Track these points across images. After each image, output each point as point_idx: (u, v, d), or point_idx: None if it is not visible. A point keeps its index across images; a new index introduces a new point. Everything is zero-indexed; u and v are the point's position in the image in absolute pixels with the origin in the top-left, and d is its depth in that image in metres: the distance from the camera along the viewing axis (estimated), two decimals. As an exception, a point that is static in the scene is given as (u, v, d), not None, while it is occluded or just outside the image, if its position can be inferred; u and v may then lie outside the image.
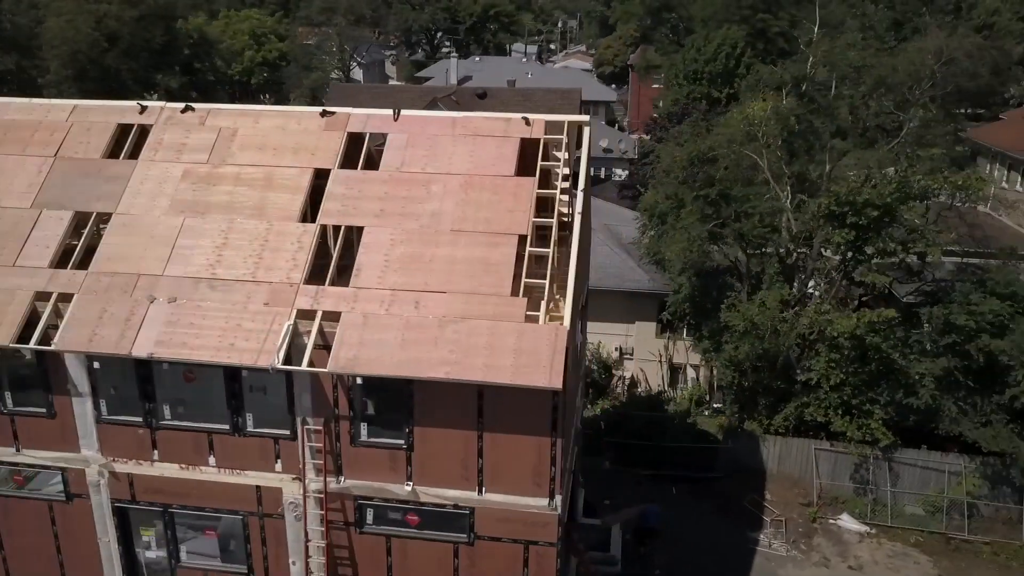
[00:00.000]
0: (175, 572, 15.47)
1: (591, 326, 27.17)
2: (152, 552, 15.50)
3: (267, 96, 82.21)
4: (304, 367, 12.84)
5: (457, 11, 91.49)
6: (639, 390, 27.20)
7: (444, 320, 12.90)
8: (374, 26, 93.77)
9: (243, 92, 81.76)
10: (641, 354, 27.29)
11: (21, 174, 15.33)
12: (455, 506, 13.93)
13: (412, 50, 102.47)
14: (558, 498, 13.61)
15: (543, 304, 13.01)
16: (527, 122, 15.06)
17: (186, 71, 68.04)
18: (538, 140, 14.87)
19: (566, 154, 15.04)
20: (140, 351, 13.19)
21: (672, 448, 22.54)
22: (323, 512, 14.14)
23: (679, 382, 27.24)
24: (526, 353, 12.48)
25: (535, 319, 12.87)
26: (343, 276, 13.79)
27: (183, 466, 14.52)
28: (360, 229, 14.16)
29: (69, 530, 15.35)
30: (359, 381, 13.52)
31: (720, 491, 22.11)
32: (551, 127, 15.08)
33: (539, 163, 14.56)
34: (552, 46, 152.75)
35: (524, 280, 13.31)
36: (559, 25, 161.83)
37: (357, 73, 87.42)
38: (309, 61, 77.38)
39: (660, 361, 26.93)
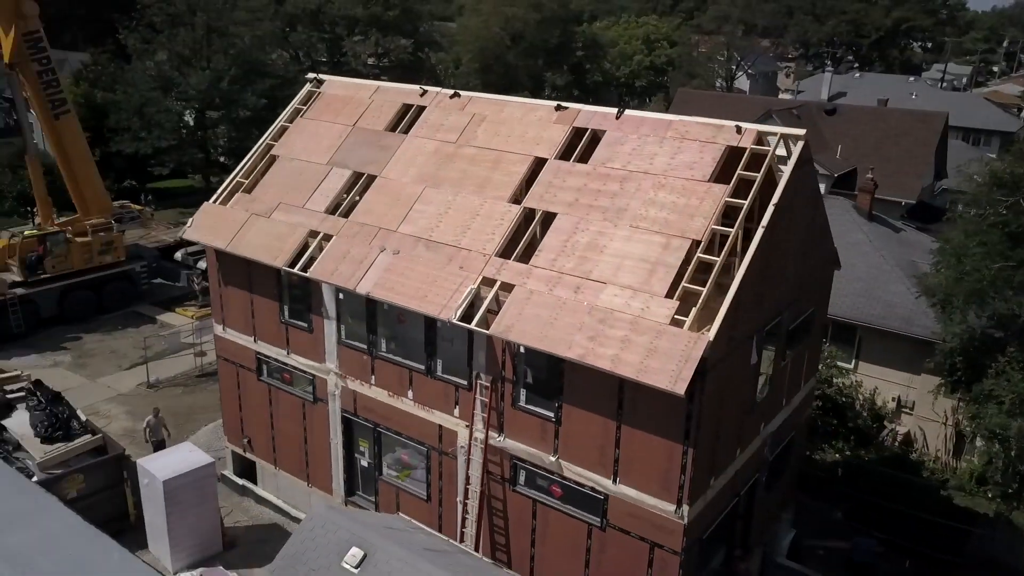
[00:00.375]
0: (377, 482, 18.30)
1: (867, 368, 24.96)
2: (364, 461, 18.52)
3: (649, 99, 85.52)
4: (472, 326, 14.46)
5: (863, 24, 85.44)
6: (913, 451, 24.17)
7: (594, 308, 13.56)
8: (769, 37, 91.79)
9: (628, 94, 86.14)
10: (923, 411, 24.15)
11: (327, 137, 19.18)
12: (592, 489, 14.54)
13: (812, 63, 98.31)
14: (686, 507, 13.49)
15: (694, 310, 12.97)
16: (738, 130, 14.82)
17: (574, 71, 73.69)
18: (744, 149, 14.57)
19: (781, 167, 14.54)
20: (362, 289, 15.96)
21: (915, 518, 19.91)
22: (482, 461, 15.73)
23: (964, 452, 23.57)
24: (658, 354, 12.64)
25: (682, 323, 12.92)
26: (530, 254, 15.10)
27: (390, 394, 17.15)
28: (553, 215, 15.32)
29: (312, 426, 19.01)
30: (522, 350, 14.78)
31: (959, 580, 19.08)
32: (763, 138, 14.66)
33: (738, 172, 14.31)
34: (995, 68, 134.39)
35: (684, 284, 13.35)
36: (1004, 45, 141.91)
37: (744, 83, 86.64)
38: (692, 68, 78.67)
39: (945, 423, 23.58)
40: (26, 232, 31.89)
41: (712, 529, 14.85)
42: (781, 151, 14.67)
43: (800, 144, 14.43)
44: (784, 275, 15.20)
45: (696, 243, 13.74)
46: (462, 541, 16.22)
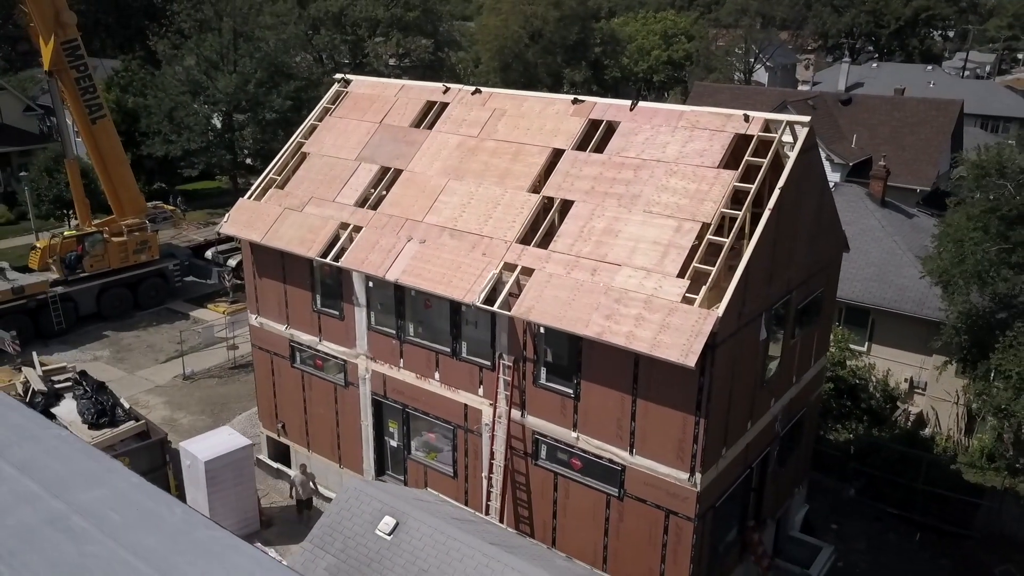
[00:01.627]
0: (406, 462, 19.22)
1: (880, 351, 25.53)
2: (394, 441, 19.45)
3: (667, 94, 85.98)
4: (495, 308, 15.32)
5: (883, 14, 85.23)
6: (925, 431, 24.71)
7: (609, 289, 14.36)
8: (788, 29, 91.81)
9: (647, 89, 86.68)
10: (936, 391, 24.67)
11: (356, 134, 20.13)
12: (610, 461, 15.35)
13: (832, 55, 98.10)
14: (698, 475, 14.26)
15: (704, 289, 13.74)
16: (746, 119, 15.54)
17: (593, 67, 74.33)
18: (752, 137, 15.30)
19: (790, 154, 15.25)
20: (391, 276, 16.88)
21: (925, 492, 20.53)
22: (506, 438, 16.59)
23: (976, 430, 24.05)
24: (670, 330, 13.42)
25: (692, 301, 13.69)
26: (548, 240, 15.93)
27: (418, 376, 18.06)
28: (571, 202, 16.14)
29: (343, 409, 19.97)
30: (542, 330, 15.62)
31: (967, 553, 19.57)
32: (769, 126, 15.38)
33: (746, 158, 15.04)
34: (1020, 56, 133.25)
35: (695, 265, 14.12)
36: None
37: (762, 76, 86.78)
38: (710, 62, 79.02)
39: (956, 403, 24.08)
40: (65, 233, 33.23)
41: (725, 498, 15.59)
42: (788, 138, 15.42)
43: (805, 131, 15.13)
44: (792, 256, 15.90)
45: (706, 226, 14.50)
46: (487, 514, 17.11)
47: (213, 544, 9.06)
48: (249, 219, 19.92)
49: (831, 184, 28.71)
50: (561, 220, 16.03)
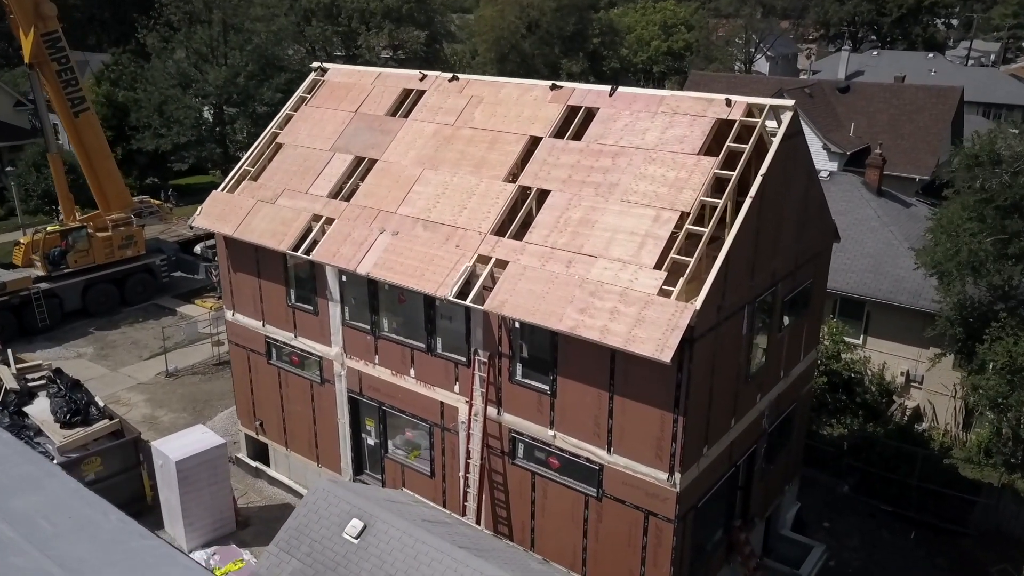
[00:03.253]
0: (383, 461, 18.69)
1: (875, 344, 24.92)
2: (371, 440, 18.91)
3: (665, 84, 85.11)
4: (467, 302, 14.75)
5: (885, 2, 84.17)
6: (923, 426, 24.09)
7: (584, 281, 13.78)
8: (789, 18, 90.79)
9: (646, 80, 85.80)
10: (933, 385, 24.03)
11: (331, 124, 19.54)
12: (587, 460, 14.79)
13: (834, 44, 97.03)
14: (678, 475, 13.69)
15: (681, 281, 13.15)
16: (728, 103, 14.92)
17: (591, 58, 73.52)
18: (733, 122, 14.68)
19: (774, 138, 14.63)
20: (362, 269, 16.32)
21: (920, 488, 19.94)
22: (481, 436, 16.03)
23: (974, 424, 23.41)
24: (645, 323, 12.84)
25: (669, 294, 13.09)
26: (525, 231, 15.33)
27: (393, 372, 17.51)
28: (547, 192, 15.54)
29: (320, 407, 19.44)
30: (517, 325, 15.04)
31: (963, 551, 18.98)
32: (752, 110, 14.75)
33: (728, 144, 14.43)
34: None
35: (672, 255, 13.52)
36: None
37: (763, 66, 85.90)
38: (710, 52, 78.12)
39: (953, 397, 23.44)
40: (49, 228, 32.73)
41: (707, 498, 15.02)
42: (773, 124, 14.79)
43: (789, 115, 14.50)
44: (778, 246, 15.29)
45: (685, 215, 13.89)
46: (465, 515, 16.57)
47: (147, 554, 8.44)
48: (222, 212, 19.36)
49: (826, 173, 28.11)
50: (538, 210, 15.44)
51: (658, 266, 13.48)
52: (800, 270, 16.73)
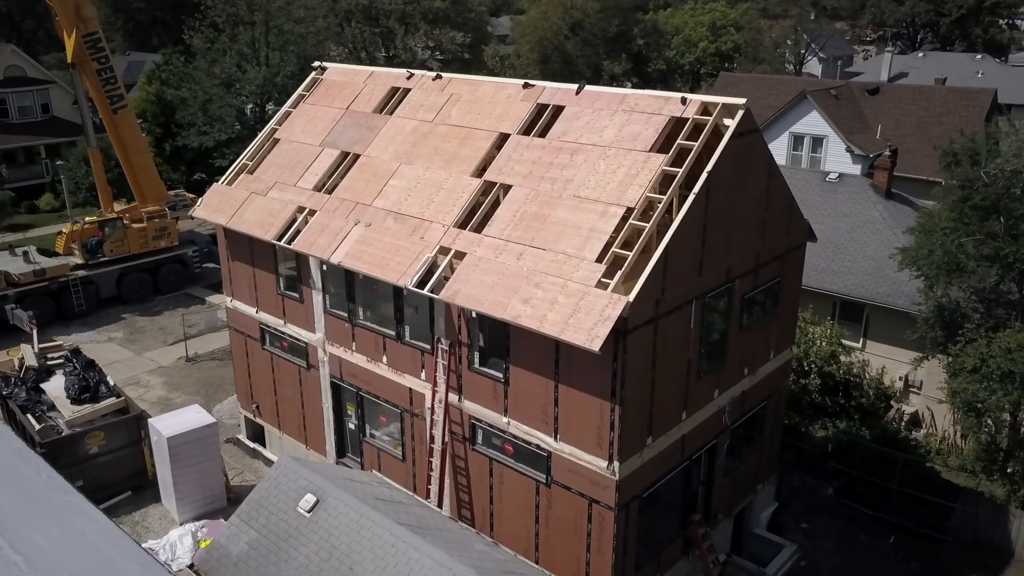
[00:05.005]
0: (362, 444, 19.42)
1: (875, 347, 24.66)
2: (351, 424, 19.67)
3: (701, 85, 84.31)
4: (424, 291, 15.35)
5: (944, 2, 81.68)
6: (921, 433, 23.70)
7: (532, 273, 14.24)
8: (843, 19, 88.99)
9: (694, 81, 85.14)
10: (931, 390, 23.60)
11: (323, 120, 20.39)
12: (537, 446, 15.23)
13: (893, 44, 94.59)
14: (616, 463, 14.03)
15: (619, 274, 13.50)
16: (683, 101, 15.18)
17: (634, 60, 73.44)
18: (687, 120, 14.94)
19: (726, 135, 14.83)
20: (335, 259, 17.07)
21: (901, 493, 19.73)
22: (443, 421, 16.61)
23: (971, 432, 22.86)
24: (580, 314, 13.24)
25: (607, 286, 13.45)
26: (485, 224, 15.85)
27: (368, 359, 18.23)
28: (509, 186, 16.03)
29: (307, 391, 20.29)
30: (474, 314, 15.56)
31: (940, 557, 18.67)
32: (707, 108, 14.98)
33: (678, 141, 14.70)
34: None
35: (614, 250, 13.87)
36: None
37: (816, 67, 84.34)
38: (757, 53, 77.14)
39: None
40: (87, 219, 34.56)
41: (656, 489, 15.28)
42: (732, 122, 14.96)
43: (740, 113, 14.69)
44: (732, 243, 15.42)
45: (630, 210, 14.22)
46: (428, 498, 17.17)
47: (66, 508, 9.31)
48: (219, 203, 20.40)
49: (835, 175, 27.89)
50: (499, 204, 15.93)
51: (599, 259, 13.85)
52: (764, 268, 16.82)
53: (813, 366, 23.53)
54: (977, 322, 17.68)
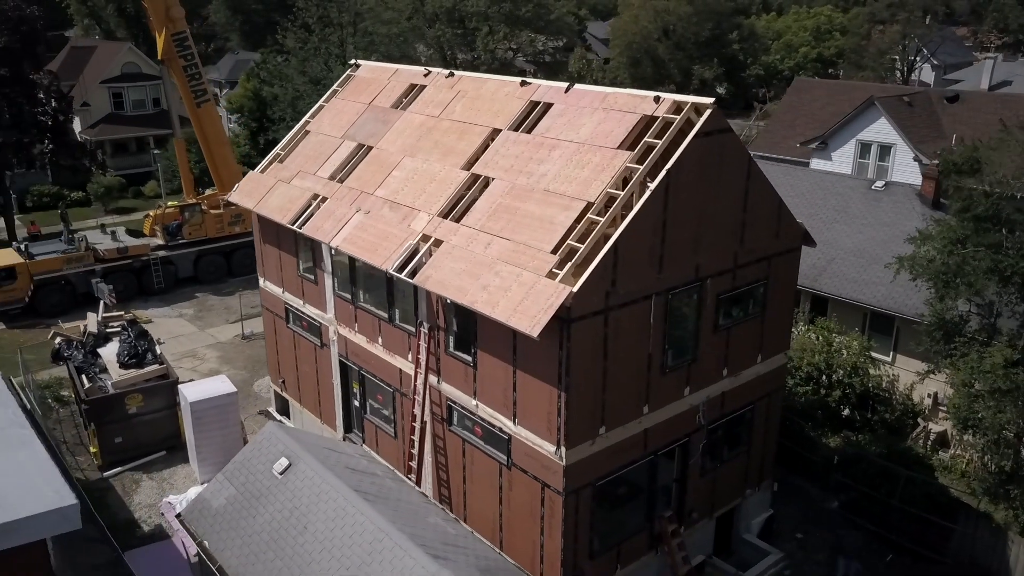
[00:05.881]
0: (363, 421, 20.50)
1: (905, 362, 23.84)
2: (355, 401, 20.78)
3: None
4: (402, 275, 16.21)
5: (1075, 6, 76.29)
6: (947, 452, 22.67)
7: (494, 261, 14.85)
8: (965, 24, 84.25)
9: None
10: (962, 409, 22.52)
11: (347, 114, 21.63)
12: (500, 429, 15.82)
13: (998, 51, 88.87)
14: (563, 449, 14.46)
15: (569, 265, 13.94)
16: (656, 100, 15.42)
17: (728, 64, 72.21)
18: (656, 118, 15.18)
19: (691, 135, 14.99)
20: (334, 243, 18.19)
21: (904, 511, 19.08)
22: (423, 401, 17.42)
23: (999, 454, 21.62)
24: (528, 300, 13.76)
25: (556, 276, 13.92)
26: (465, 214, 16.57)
27: (368, 340, 19.27)
28: (492, 179, 16.69)
29: (321, 368, 21.56)
30: (449, 300, 16.30)
31: (932, 578, 18.02)
32: (678, 107, 15.18)
33: (645, 139, 14.97)
34: None
35: (569, 242, 14.31)
36: None
37: (928, 75, 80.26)
38: (861, 59, 74.17)
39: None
40: (169, 204, 37.41)
41: (612, 479, 15.55)
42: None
43: (707, 113, 14.81)
44: (701, 242, 15.45)
45: (590, 205, 14.61)
46: (408, 474, 18.04)
47: (15, 439, 10.69)
48: (251, 189, 21.98)
49: (882, 184, 27.04)
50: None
51: (554, 251, 14.32)
52: (744, 269, 16.75)
53: (834, 377, 23.01)
54: (971, 335, 16.95)
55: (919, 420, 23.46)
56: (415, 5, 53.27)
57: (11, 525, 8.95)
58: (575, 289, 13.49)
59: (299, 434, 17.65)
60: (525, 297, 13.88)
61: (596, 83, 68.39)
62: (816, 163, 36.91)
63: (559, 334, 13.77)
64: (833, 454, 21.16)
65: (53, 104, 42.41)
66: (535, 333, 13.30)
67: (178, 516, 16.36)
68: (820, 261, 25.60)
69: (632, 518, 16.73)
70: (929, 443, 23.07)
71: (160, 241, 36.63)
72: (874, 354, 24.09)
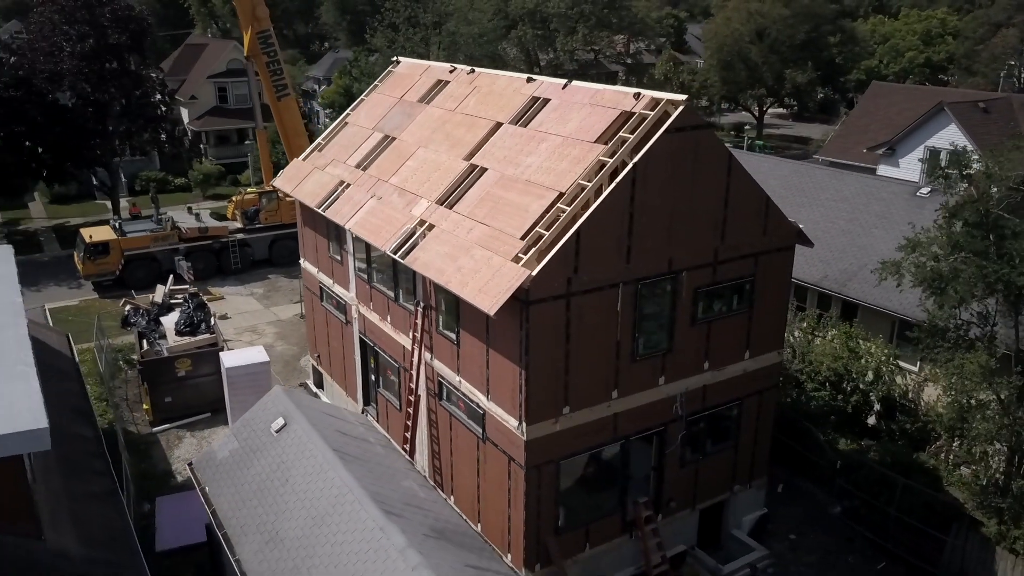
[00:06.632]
0: (376, 394, 21.84)
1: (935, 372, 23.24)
2: (372, 376, 22.16)
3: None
4: (396, 256, 17.39)
5: None
6: (968, 468, 21.90)
7: (472, 245, 15.82)
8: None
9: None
10: (987, 424, 21.71)
11: (380, 108, 23.05)
12: (477, 405, 16.78)
13: None
14: (524, 424, 15.27)
15: (532, 250, 14.74)
16: (636, 96, 15.98)
17: (827, 68, 70.05)
18: (632, 113, 15.74)
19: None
20: (347, 225, 19.60)
21: (898, 519, 18.75)
22: (416, 376, 18.57)
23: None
24: (492, 282, 14.67)
25: (520, 260, 14.75)
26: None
27: (380, 318, 20.60)
28: (486, 169, 17.65)
29: (345, 344, 23.07)
30: (429, 280, 17.36)
31: (920, 589, 17.63)
32: (652, 104, 15.69)
33: (619, 134, 15.58)
34: None
35: (537, 229, 15.11)
36: None
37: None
38: (972, 64, 70.55)
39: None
40: (248, 190, 40.15)
41: (576, 458, 16.20)
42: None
43: (678, 109, 15.25)
44: (675, 235, 15.84)
45: (561, 195, 15.35)
46: (404, 444, 19.23)
47: (18, 373, 12.54)
48: (292, 175, 23.76)
49: (927, 190, 26.35)
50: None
51: (523, 237, 15.15)
52: (727, 265, 17.00)
53: (853, 383, 22.73)
54: (954, 341, 16.54)
55: (941, 432, 22.79)
56: (498, 5, 54.64)
57: (-12, 440, 10.62)
58: (534, 273, 14.30)
59: (301, 398, 19.14)
60: (491, 279, 14.78)
61: (683, 86, 68.05)
62: (883, 169, 35.93)
63: (519, 315, 14.61)
64: (837, 459, 20.96)
65: (158, 96, 46.25)
66: (492, 312, 14.19)
67: (190, 465, 18.12)
68: (852, 266, 25.21)
69: (602, 500, 17.31)
70: (951, 457, 22.41)
71: (238, 225, 39.40)
72: (902, 363, 23.60)
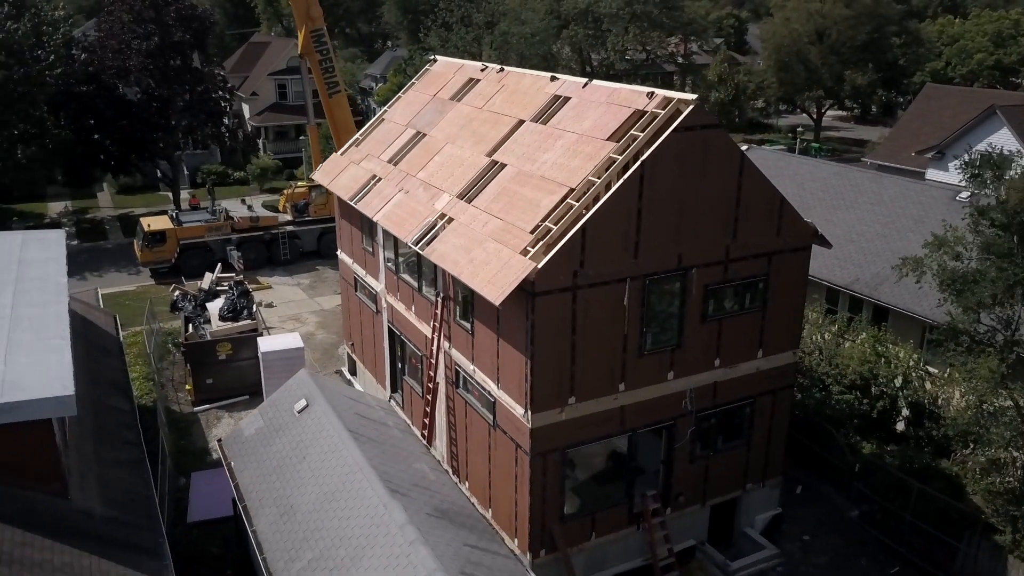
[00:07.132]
0: (401, 382, 22.57)
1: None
2: (399, 364, 22.91)
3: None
4: (416, 248, 18.06)
5: None
6: (998, 479, 21.46)
7: (486, 238, 16.37)
8: None
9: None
10: (1017, 434, 21.25)
11: (415, 105, 23.78)
12: (489, 393, 17.32)
13: None
14: (530, 412, 15.76)
15: (540, 243, 15.21)
16: (649, 95, 16.29)
17: (889, 69, 68.43)
18: (645, 112, 16.06)
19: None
20: (375, 217, 20.36)
21: (913, 525, 18.58)
22: (434, 364, 19.21)
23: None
24: (501, 273, 15.19)
25: (528, 253, 15.24)
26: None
27: (406, 308, 21.32)
28: (505, 165, 18.17)
29: (375, 333, 23.88)
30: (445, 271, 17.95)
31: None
32: (664, 103, 15.98)
33: (630, 132, 15.91)
34: None
35: (545, 224, 15.57)
36: None
37: None
38: (1044, 68, 68.06)
39: (1034, 450, 20.50)
40: (298, 184, 41.48)
41: (580, 448, 16.58)
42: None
43: (688, 108, 15.50)
44: (684, 233, 16.08)
45: (572, 190, 15.77)
46: (423, 429, 19.90)
47: (54, 347, 13.64)
48: (330, 169, 24.68)
49: (966, 195, 25.89)
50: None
51: (533, 231, 15.63)
52: (738, 264, 17.15)
53: (879, 388, 22.54)
54: (967, 345, 16.30)
55: (970, 440, 22.41)
56: (551, 5, 55.09)
57: (19, 404, 11.61)
58: (539, 265, 14.76)
59: (325, 382, 19.95)
60: (500, 271, 15.31)
61: (738, 87, 67.33)
62: (931, 173, 35.21)
63: (526, 305, 15.09)
64: (855, 462, 20.85)
65: (219, 92, 48.08)
66: (498, 302, 14.72)
67: (219, 441, 19.10)
68: (884, 270, 24.93)
69: (609, 490, 17.66)
70: (978, 467, 22.01)
71: (288, 217, 40.77)
72: (931, 368, 23.29)
